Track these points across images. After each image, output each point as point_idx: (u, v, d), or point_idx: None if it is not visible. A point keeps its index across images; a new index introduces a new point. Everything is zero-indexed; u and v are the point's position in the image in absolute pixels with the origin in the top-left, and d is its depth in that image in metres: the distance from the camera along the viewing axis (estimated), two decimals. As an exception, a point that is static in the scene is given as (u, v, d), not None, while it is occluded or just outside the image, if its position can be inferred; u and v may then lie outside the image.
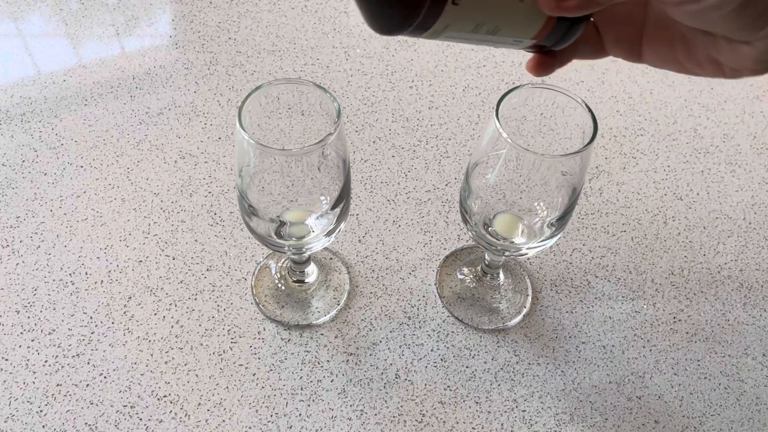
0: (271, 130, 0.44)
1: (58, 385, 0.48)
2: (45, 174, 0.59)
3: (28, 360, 0.49)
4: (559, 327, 0.54)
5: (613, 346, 0.53)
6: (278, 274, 0.55)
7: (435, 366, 0.51)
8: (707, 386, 0.51)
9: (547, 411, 0.49)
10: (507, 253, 0.48)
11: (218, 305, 0.53)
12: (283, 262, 0.55)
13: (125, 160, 0.61)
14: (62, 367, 0.49)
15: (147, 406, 0.47)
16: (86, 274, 0.54)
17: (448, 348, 0.52)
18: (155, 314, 0.52)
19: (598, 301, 0.55)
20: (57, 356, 0.49)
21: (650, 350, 0.53)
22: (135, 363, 0.49)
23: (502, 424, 0.48)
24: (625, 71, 0.73)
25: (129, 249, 0.55)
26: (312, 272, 0.55)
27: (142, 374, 0.49)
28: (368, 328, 0.52)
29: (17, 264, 0.54)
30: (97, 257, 0.55)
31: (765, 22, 0.29)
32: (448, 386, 0.50)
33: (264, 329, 0.52)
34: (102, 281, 0.53)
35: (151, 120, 0.64)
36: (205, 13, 0.75)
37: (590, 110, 0.40)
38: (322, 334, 0.52)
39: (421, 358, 0.51)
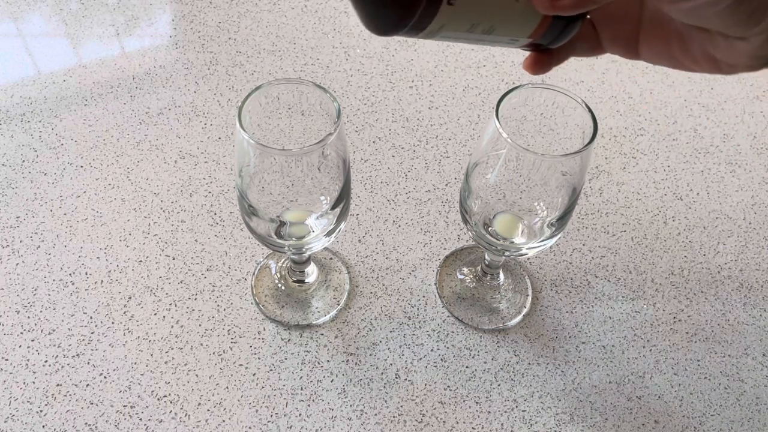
0: (271, 130, 0.44)
1: (58, 385, 0.48)
2: (45, 174, 0.59)
3: (28, 360, 0.49)
4: (559, 327, 0.53)
5: (613, 346, 0.53)
6: (278, 274, 0.55)
7: (435, 366, 0.51)
8: (707, 386, 0.51)
9: (547, 411, 0.49)
10: (507, 253, 0.48)
11: (218, 305, 0.53)
12: (283, 262, 0.55)
13: (125, 160, 0.61)
14: (62, 367, 0.49)
15: (147, 406, 0.47)
16: (86, 274, 0.54)
17: (448, 348, 0.52)
18: (155, 314, 0.52)
19: (598, 301, 0.55)
20: (57, 356, 0.49)
21: (650, 350, 0.53)
22: (135, 363, 0.49)
23: (502, 424, 0.48)
24: (625, 71, 0.73)
25: (129, 249, 0.55)
26: (312, 272, 0.55)
27: (142, 374, 0.49)
28: (368, 328, 0.52)
29: (17, 264, 0.54)
30: (97, 257, 0.55)
31: (760, 18, 0.29)
32: (448, 386, 0.50)
33: (264, 329, 0.52)
34: (102, 281, 0.53)
35: (151, 120, 0.64)
36: (205, 13, 0.75)
37: (590, 110, 0.40)
38: (322, 334, 0.52)
39: (421, 358, 0.51)
